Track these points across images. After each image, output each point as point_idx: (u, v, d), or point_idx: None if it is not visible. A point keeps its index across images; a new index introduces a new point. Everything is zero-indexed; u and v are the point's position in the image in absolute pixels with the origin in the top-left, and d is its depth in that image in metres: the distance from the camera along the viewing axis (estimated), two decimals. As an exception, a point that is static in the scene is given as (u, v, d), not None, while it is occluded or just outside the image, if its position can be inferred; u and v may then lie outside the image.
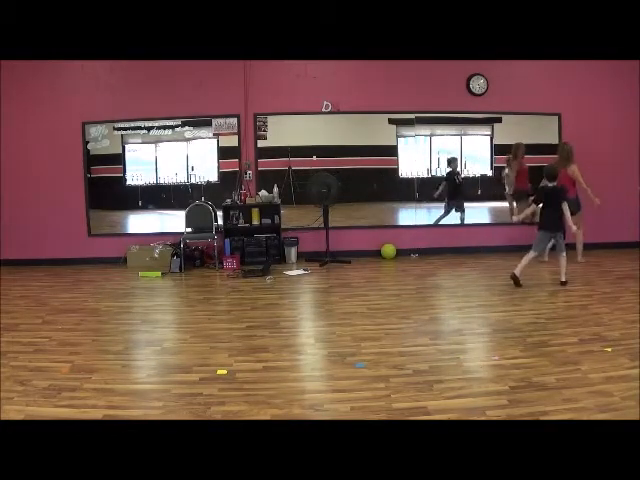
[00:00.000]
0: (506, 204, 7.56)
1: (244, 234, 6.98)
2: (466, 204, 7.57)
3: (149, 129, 7.11)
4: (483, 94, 7.20)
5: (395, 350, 3.68)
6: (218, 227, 6.94)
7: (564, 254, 5.37)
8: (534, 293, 5.11)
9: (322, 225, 6.94)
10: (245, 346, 3.84)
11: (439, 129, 7.45)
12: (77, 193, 7.08)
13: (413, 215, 7.51)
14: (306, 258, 6.99)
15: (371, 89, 7.13)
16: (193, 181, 7.28)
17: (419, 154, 7.40)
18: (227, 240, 6.90)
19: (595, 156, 7.04)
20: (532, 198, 5.70)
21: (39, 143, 6.97)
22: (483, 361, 3.51)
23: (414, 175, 7.41)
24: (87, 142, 7.06)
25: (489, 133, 7.44)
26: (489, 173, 7.54)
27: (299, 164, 7.20)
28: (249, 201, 6.96)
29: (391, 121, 7.24)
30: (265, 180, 7.15)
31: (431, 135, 7.44)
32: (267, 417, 2.75)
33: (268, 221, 7.02)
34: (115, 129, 7.08)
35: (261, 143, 7.16)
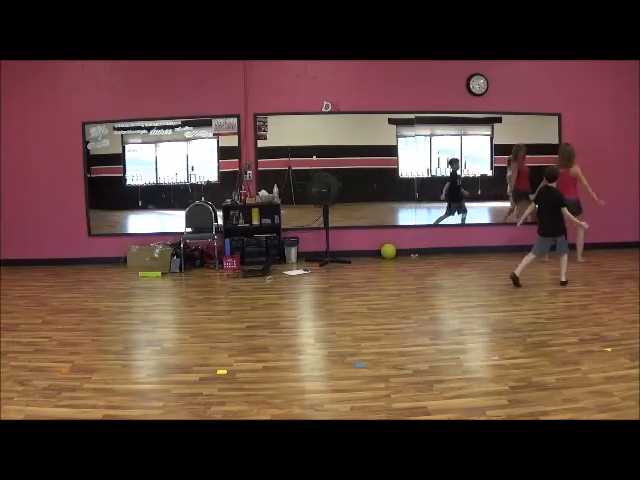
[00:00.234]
0: (508, 204, 7.57)
1: (244, 234, 6.98)
2: (466, 204, 7.55)
3: (149, 129, 7.11)
4: (483, 94, 7.20)
5: (395, 350, 3.68)
6: (218, 227, 6.94)
7: (565, 256, 5.37)
8: (534, 293, 5.11)
9: (322, 225, 6.94)
10: (245, 346, 3.84)
11: (439, 129, 7.45)
12: (77, 193, 7.08)
13: (413, 215, 7.51)
14: (306, 258, 6.99)
15: (371, 89, 7.13)
16: (193, 181, 7.28)
17: (419, 154, 7.40)
18: (227, 240, 6.90)
19: (595, 156, 7.04)
20: (533, 198, 5.71)
21: (39, 143, 6.97)
22: (483, 361, 3.51)
23: (414, 175, 7.41)
24: (87, 142, 7.06)
25: (489, 133, 7.44)
26: (489, 173, 7.54)
27: (299, 164, 7.20)
28: (249, 201, 6.96)
29: (391, 121, 7.24)
30: (265, 180, 7.15)
31: (431, 135, 7.44)
32: (267, 417, 2.75)
33: (268, 221, 7.02)
34: (115, 129, 7.08)
35: (261, 143, 7.16)
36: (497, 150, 7.45)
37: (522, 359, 3.44)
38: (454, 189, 7.42)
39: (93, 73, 6.93)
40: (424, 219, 7.54)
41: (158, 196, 7.31)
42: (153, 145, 7.20)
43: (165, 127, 7.11)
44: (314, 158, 7.21)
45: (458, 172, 7.43)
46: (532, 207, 5.56)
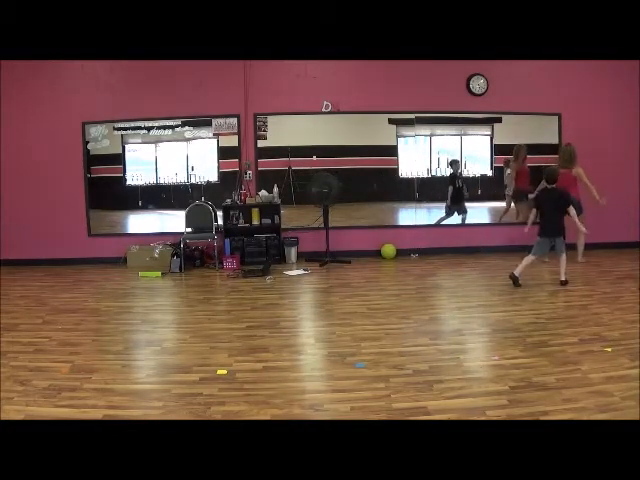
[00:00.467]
0: (504, 204, 7.57)
1: (244, 234, 6.98)
2: (466, 204, 7.56)
3: (149, 129, 7.11)
4: (483, 94, 7.20)
5: (395, 350, 3.68)
6: (218, 227, 6.94)
7: (564, 255, 5.37)
8: (534, 293, 5.11)
9: (322, 225, 6.94)
10: (245, 346, 3.84)
11: (439, 129, 7.45)
12: (77, 193, 7.08)
13: (413, 215, 7.51)
14: (306, 258, 6.99)
15: (371, 89, 7.13)
16: (193, 181, 7.28)
17: (419, 154, 7.40)
18: (227, 240, 6.90)
19: (595, 156, 7.04)
20: (533, 201, 5.68)
21: (39, 143, 6.97)
22: (483, 361, 3.51)
23: (414, 175, 7.41)
24: (87, 142, 7.06)
25: (489, 133, 7.44)
26: (489, 173, 7.54)
27: (299, 164, 7.20)
28: (249, 201, 6.96)
29: (391, 121, 7.24)
30: (265, 180, 7.15)
31: (431, 135, 7.44)
32: (267, 417, 2.75)
33: (268, 221, 7.02)
34: (115, 129, 7.08)
35: (261, 143, 7.16)
36: (497, 150, 7.45)
37: (522, 359, 3.44)
38: (455, 190, 7.42)
39: (93, 73, 6.93)
40: (424, 219, 7.54)
41: (158, 196, 7.32)
42: (153, 145, 7.20)
43: (165, 127, 7.11)
44: (314, 158, 7.21)
45: (459, 173, 7.42)
46: (534, 212, 5.53)
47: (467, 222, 7.53)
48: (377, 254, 7.23)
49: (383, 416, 2.72)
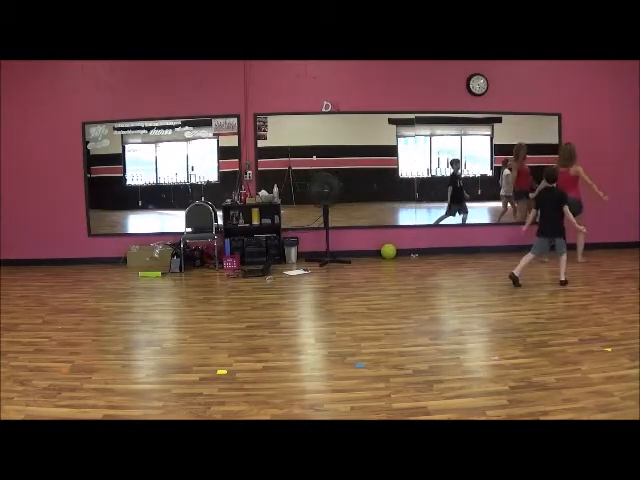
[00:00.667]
0: (500, 204, 7.58)
1: (244, 234, 6.98)
2: (466, 204, 7.56)
3: (149, 129, 7.11)
4: (483, 94, 7.20)
5: (395, 350, 3.68)
6: (218, 227, 6.94)
7: (564, 256, 5.37)
8: (534, 293, 5.11)
9: (322, 225, 6.94)
10: (245, 346, 3.84)
11: (439, 129, 7.45)
12: (77, 193, 7.08)
13: (413, 215, 7.51)
14: (306, 258, 6.99)
15: (371, 89, 7.12)
16: (193, 181, 7.28)
17: (419, 154, 7.40)
18: (227, 240, 6.90)
19: (595, 156, 7.04)
20: (533, 201, 5.67)
21: (39, 143, 6.97)
22: (483, 361, 3.51)
23: (414, 175, 7.41)
24: (87, 142, 7.06)
25: (489, 133, 7.44)
26: (489, 173, 7.54)
27: (299, 164, 7.20)
28: (249, 201, 6.96)
29: (391, 121, 7.24)
30: (265, 180, 7.15)
31: (431, 135, 7.44)
32: (267, 417, 2.75)
33: (268, 221, 7.02)
34: (115, 129, 7.08)
35: (261, 143, 7.16)
36: (497, 150, 7.45)
37: (522, 359, 3.44)
38: (456, 190, 7.42)
39: (93, 73, 6.93)
40: (424, 219, 7.54)
41: (158, 196, 7.31)
42: (153, 145, 7.20)
43: (165, 127, 7.11)
44: (314, 158, 7.21)
45: (459, 172, 7.41)
46: (534, 212, 5.52)
47: (467, 222, 7.53)
48: (377, 254, 7.23)
49: (383, 416, 2.72)
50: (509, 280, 5.36)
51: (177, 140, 7.18)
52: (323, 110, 7.09)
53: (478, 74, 7.16)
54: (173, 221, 7.19)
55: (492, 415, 2.70)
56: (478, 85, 7.19)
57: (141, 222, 7.47)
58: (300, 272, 6.33)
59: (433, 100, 7.17)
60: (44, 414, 2.79)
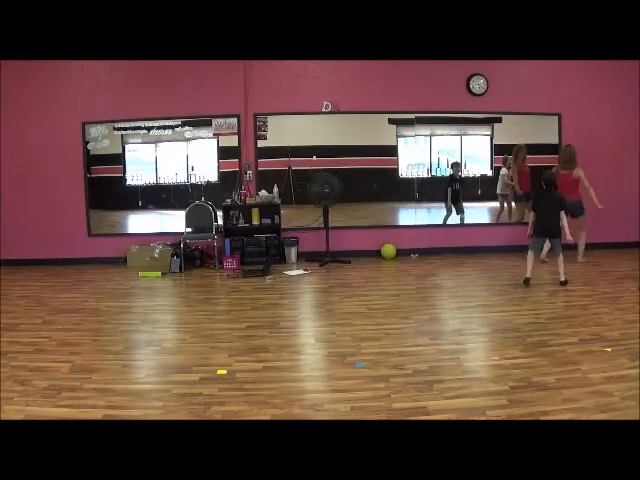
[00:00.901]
0: (497, 204, 7.58)
1: (244, 234, 6.98)
2: (466, 204, 7.57)
3: (149, 129, 7.11)
4: (483, 94, 7.20)
5: (395, 350, 3.68)
6: (218, 227, 6.94)
7: (562, 257, 5.36)
8: (534, 293, 5.11)
9: (322, 225, 6.94)
10: (245, 346, 3.84)
11: (439, 129, 7.45)
12: (77, 193, 7.08)
13: (413, 215, 7.51)
14: (306, 258, 6.99)
15: (371, 89, 7.12)
16: (193, 181, 7.28)
17: (419, 154, 7.39)
18: (227, 240, 6.90)
19: (595, 156, 7.04)
20: (532, 206, 5.64)
21: (39, 143, 6.97)
22: (483, 361, 3.51)
23: (414, 175, 7.41)
24: (87, 142, 7.06)
25: (489, 133, 7.44)
26: (489, 173, 7.54)
27: (299, 164, 7.20)
28: (249, 201, 6.96)
29: (391, 121, 7.24)
30: (265, 180, 7.14)
31: (431, 135, 7.44)
32: (267, 417, 2.75)
33: (268, 221, 7.02)
34: (115, 129, 7.08)
35: (261, 143, 7.16)
36: (497, 150, 7.45)
37: (522, 359, 3.44)
38: (452, 191, 7.40)
39: (93, 73, 6.92)
40: (424, 219, 7.54)
41: (158, 196, 7.31)
42: (153, 145, 7.20)
43: (165, 127, 7.11)
44: (314, 158, 7.21)
45: (458, 176, 7.39)
46: (533, 216, 5.51)
47: (467, 222, 7.53)
48: (377, 254, 7.23)
49: (383, 416, 2.72)
50: (509, 280, 5.37)
51: (177, 140, 7.17)
52: (323, 110, 7.09)
53: (478, 74, 7.16)
54: (173, 221, 7.19)
55: (492, 415, 2.70)
56: (478, 85, 7.19)
57: (141, 222, 7.47)
58: (300, 272, 6.33)
59: (433, 100, 7.17)
60: (44, 414, 2.79)
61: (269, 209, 6.99)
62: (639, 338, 3.73)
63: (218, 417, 2.75)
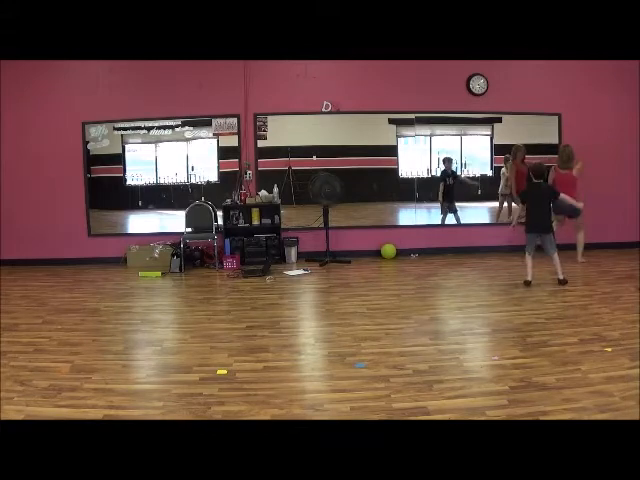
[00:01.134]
0: (497, 204, 7.58)
1: (244, 234, 6.98)
2: (466, 204, 7.57)
3: (149, 129, 7.11)
4: (483, 94, 7.20)
5: (395, 350, 3.68)
6: (218, 227, 6.94)
7: (556, 255, 5.31)
8: (534, 293, 5.11)
9: (322, 225, 6.94)
10: (245, 346, 3.84)
11: (439, 129, 7.45)
12: (77, 193, 7.08)
13: (413, 215, 7.51)
14: (306, 258, 6.99)
15: (371, 89, 7.12)
16: (193, 181, 7.28)
17: (419, 154, 7.39)
18: (227, 240, 6.90)
19: (595, 156, 7.03)
20: (521, 198, 5.60)
21: (39, 143, 6.97)
22: (483, 361, 3.51)
23: (414, 175, 7.41)
24: (87, 142, 7.06)
25: (489, 133, 7.44)
26: (489, 173, 7.54)
27: (299, 164, 7.20)
28: (249, 201, 6.96)
29: (391, 121, 7.23)
30: (265, 180, 7.14)
31: (431, 135, 7.44)
32: (267, 417, 2.74)
33: (268, 221, 7.02)
34: (115, 129, 7.08)
35: (261, 143, 7.16)
36: (497, 150, 7.45)
37: (522, 359, 3.44)
38: (446, 187, 7.40)
39: (93, 73, 6.92)
40: (424, 219, 7.54)
41: (158, 196, 7.32)
42: (153, 145, 7.20)
43: (165, 127, 7.11)
44: (314, 158, 7.21)
45: (451, 171, 7.38)
46: (521, 207, 5.48)
47: (468, 222, 7.53)
48: (377, 254, 7.23)
49: (383, 416, 2.72)
50: (509, 280, 5.36)
51: (177, 140, 7.17)
52: (323, 110, 7.08)
53: (478, 74, 7.15)
54: (173, 221, 7.19)
55: (492, 415, 2.70)
56: (478, 85, 7.19)
57: (141, 222, 7.47)
58: (300, 272, 6.33)
59: (433, 100, 7.16)
60: (44, 414, 2.78)
61: (269, 209, 6.99)
62: (639, 338, 3.73)
63: (218, 417, 2.75)
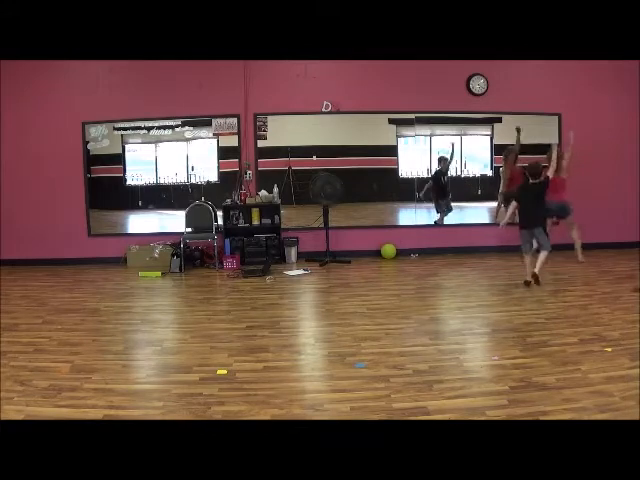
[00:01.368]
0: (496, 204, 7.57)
1: (244, 234, 6.98)
2: (466, 204, 7.57)
3: (149, 129, 7.11)
4: (483, 94, 7.20)
5: (395, 350, 3.68)
6: (218, 227, 6.94)
7: (546, 253, 5.27)
8: (534, 293, 5.11)
9: (322, 225, 6.94)
10: (245, 346, 3.84)
11: (439, 129, 7.45)
12: (77, 193, 7.08)
13: (413, 215, 7.51)
14: (306, 258, 6.99)
15: (371, 89, 7.12)
16: (193, 181, 7.28)
17: (419, 154, 7.39)
18: (227, 240, 6.90)
19: (595, 156, 7.04)
20: (514, 195, 5.56)
21: (39, 143, 6.97)
22: (483, 361, 3.51)
23: (414, 175, 7.41)
24: (87, 142, 7.06)
25: (489, 133, 7.44)
26: (489, 173, 7.53)
27: (299, 164, 7.20)
28: (249, 201, 6.96)
29: (391, 121, 7.24)
30: (265, 180, 7.15)
31: (431, 135, 7.44)
32: (267, 417, 2.74)
33: (268, 221, 7.02)
34: (115, 129, 7.08)
35: (261, 143, 7.16)
36: (497, 150, 7.44)
37: (522, 359, 3.44)
38: (439, 186, 7.39)
39: (93, 73, 6.92)
40: (424, 219, 7.54)
41: (158, 196, 7.32)
42: (153, 145, 7.20)
43: (165, 127, 7.11)
44: (314, 158, 7.21)
45: (445, 169, 7.36)
46: (514, 206, 5.48)
47: (468, 222, 7.52)
48: (377, 254, 7.23)
49: (383, 416, 2.72)
50: (509, 280, 5.36)
51: (177, 140, 7.17)
52: (323, 110, 7.08)
53: (478, 74, 7.16)
54: (173, 221, 7.19)
55: (492, 415, 2.70)
56: (478, 85, 7.19)
57: (141, 222, 7.47)
58: (300, 272, 6.33)
59: (433, 100, 7.16)
60: (44, 414, 2.78)
61: (269, 209, 6.99)
62: (639, 338, 3.73)
63: (218, 417, 2.75)
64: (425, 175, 7.42)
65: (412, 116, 7.23)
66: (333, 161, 7.21)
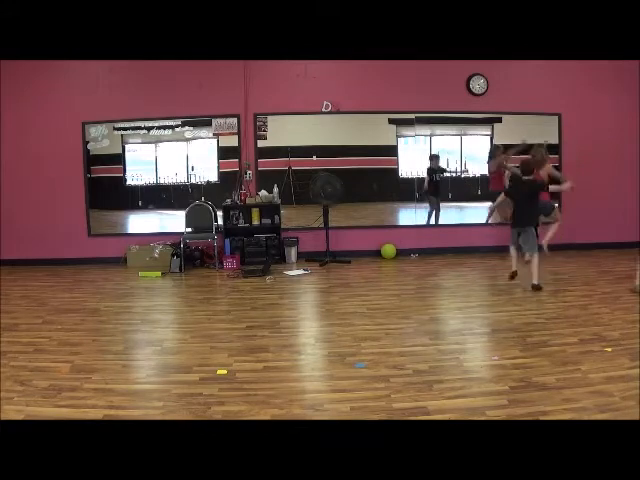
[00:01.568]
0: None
1: (244, 234, 6.98)
2: (466, 204, 7.57)
3: (149, 129, 7.11)
4: (483, 94, 7.20)
5: (395, 350, 3.68)
6: (218, 227, 6.94)
7: (536, 255, 5.16)
8: (534, 293, 5.11)
9: (322, 225, 6.94)
10: (245, 346, 3.84)
11: (439, 129, 7.45)
12: (77, 193, 7.08)
13: (413, 215, 7.51)
14: (306, 258, 6.99)
15: (371, 89, 7.12)
16: (193, 181, 7.28)
17: (419, 154, 7.39)
18: (227, 240, 6.90)
19: (595, 156, 7.04)
20: (507, 191, 5.51)
21: (39, 143, 6.97)
22: (483, 361, 3.51)
23: (414, 175, 7.41)
24: (87, 142, 7.06)
25: (489, 133, 7.44)
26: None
27: (299, 164, 7.20)
28: (249, 201, 6.96)
29: (391, 121, 7.24)
30: (265, 180, 7.15)
31: (431, 135, 7.44)
32: (267, 417, 2.74)
33: (268, 221, 7.02)
34: (115, 129, 7.08)
35: (261, 143, 7.16)
36: (497, 150, 7.43)
37: (522, 359, 3.44)
38: (431, 183, 7.39)
39: (93, 73, 6.92)
40: (424, 219, 7.54)
41: (158, 196, 7.31)
42: (153, 145, 7.20)
43: (165, 127, 7.11)
44: (314, 158, 7.21)
45: (437, 167, 7.35)
46: (501, 197, 5.45)
47: (468, 222, 7.52)
48: (377, 254, 7.23)
49: (383, 416, 2.72)
50: (509, 280, 5.35)
51: (177, 140, 7.17)
52: (323, 110, 7.08)
53: (478, 74, 7.15)
54: (173, 221, 7.19)
55: (492, 415, 2.70)
56: (478, 85, 7.19)
57: (141, 222, 7.47)
58: (300, 272, 6.33)
59: (433, 100, 7.16)
60: (44, 414, 2.79)
61: (269, 209, 6.99)
62: (639, 338, 3.73)
63: (218, 417, 2.75)
64: (425, 175, 7.42)
65: (412, 116, 7.23)
66: (333, 161, 7.21)
